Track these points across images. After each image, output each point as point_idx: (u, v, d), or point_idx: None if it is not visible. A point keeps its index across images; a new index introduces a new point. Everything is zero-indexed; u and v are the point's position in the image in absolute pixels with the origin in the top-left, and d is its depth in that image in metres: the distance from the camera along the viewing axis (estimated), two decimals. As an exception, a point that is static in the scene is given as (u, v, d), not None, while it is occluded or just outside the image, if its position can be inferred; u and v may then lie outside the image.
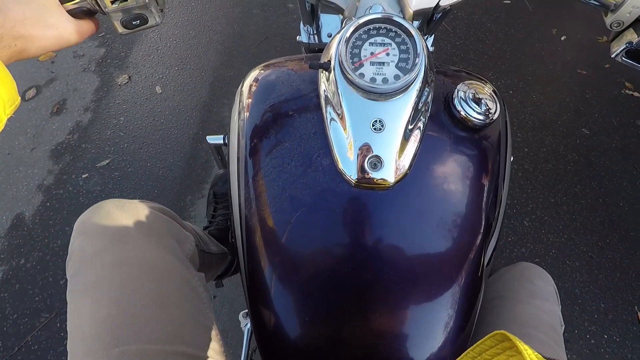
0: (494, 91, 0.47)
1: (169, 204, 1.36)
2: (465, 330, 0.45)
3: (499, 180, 0.48)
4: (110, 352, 0.41)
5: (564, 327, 0.61)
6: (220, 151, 0.69)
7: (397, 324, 0.43)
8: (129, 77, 1.73)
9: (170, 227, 0.55)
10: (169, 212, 0.57)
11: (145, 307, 0.45)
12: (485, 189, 0.46)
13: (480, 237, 0.45)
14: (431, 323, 0.43)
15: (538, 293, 0.62)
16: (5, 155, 1.58)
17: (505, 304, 0.61)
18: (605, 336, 1.16)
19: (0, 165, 1.55)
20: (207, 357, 0.48)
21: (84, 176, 1.47)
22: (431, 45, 1.00)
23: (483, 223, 0.45)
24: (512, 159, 0.56)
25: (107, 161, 1.50)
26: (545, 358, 0.24)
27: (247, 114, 0.49)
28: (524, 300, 0.61)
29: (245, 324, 0.81)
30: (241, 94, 0.52)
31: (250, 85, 0.51)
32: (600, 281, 1.24)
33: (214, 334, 0.51)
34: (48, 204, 1.42)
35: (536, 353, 0.24)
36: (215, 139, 0.64)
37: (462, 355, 0.27)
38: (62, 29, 0.40)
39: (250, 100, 0.50)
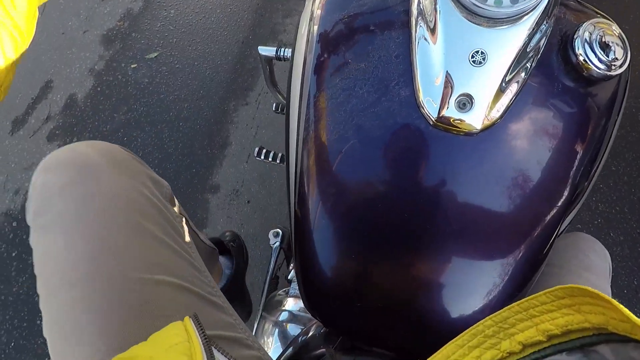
0: (623, 39, 0.39)
1: (213, 107, 1.36)
2: (516, 299, 0.42)
3: (600, 149, 0.41)
4: (94, 284, 0.38)
5: None
6: (270, 65, 0.63)
7: (444, 278, 0.40)
8: (182, -34, 1.63)
9: (145, 169, 0.49)
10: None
11: (125, 237, 0.41)
12: (580, 155, 0.40)
13: (560, 206, 0.40)
14: (482, 284, 0.40)
15: (592, 267, 0.58)
16: (59, 34, 1.59)
17: (554, 272, 0.57)
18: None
19: (55, 44, 1.57)
20: (197, 290, 0.44)
21: (132, 66, 1.47)
22: None
23: (567, 192, 0.40)
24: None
25: (155, 54, 1.48)
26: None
27: (318, 24, 0.43)
28: (575, 271, 0.57)
29: (274, 242, 0.82)
30: (313, 0, 0.45)
31: None
32: (640, 259, 1.18)
33: (203, 272, 0.47)
34: (98, 89, 1.46)
35: (628, 312, 0.20)
36: (267, 50, 0.57)
37: (505, 308, 0.24)
38: None
39: (324, 7, 0.43)
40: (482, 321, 0.25)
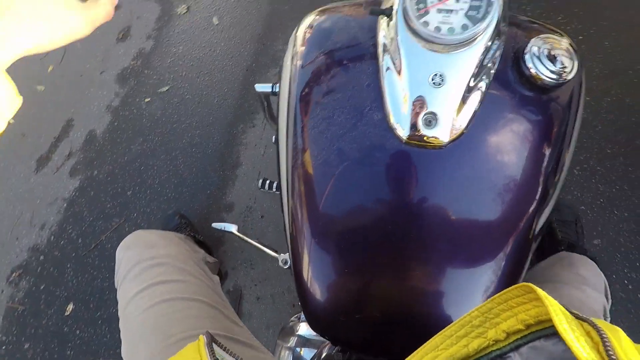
0: (572, 47, 0.42)
1: (222, 131, 1.42)
2: None
3: (563, 147, 0.44)
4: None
5: (609, 319, 0.58)
6: (268, 100, 0.67)
7: (434, 284, 0.42)
8: (188, 7, 1.75)
9: (186, 240, 0.76)
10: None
11: (175, 284, 0.62)
12: (547, 156, 0.42)
13: (533, 205, 0.42)
14: (470, 287, 0.42)
15: (587, 281, 0.60)
16: (78, 76, 1.71)
17: (554, 287, 0.60)
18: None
19: (74, 85, 1.69)
20: (232, 337, 0.58)
21: (146, 100, 1.57)
22: None
23: (539, 191, 0.42)
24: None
25: (167, 87, 1.57)
26: (572, 312, 0.23)
27: (299, 62, 0.47)
28: (570, 284, 0.60)
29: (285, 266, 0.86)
30: (295, 41, 0.50)
31: (305, 32, 0.49)
32: (649, 234, 1.17)
33: (232, 317, 0.63)
34: (116, 124, 1.55)
35: (561, 306, 0.23)
36: (264, 87, 0.62)
37: (488, 300, 0.27)
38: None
39: (303, 47, 0.48)
40: (468, 312, 0.27)
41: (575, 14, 1.45)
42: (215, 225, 1.10)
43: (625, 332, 0.22)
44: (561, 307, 0.22)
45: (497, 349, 0.26)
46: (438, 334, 0.28)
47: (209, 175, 1.36)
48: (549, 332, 0.24)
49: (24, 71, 1.82)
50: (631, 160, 1.24)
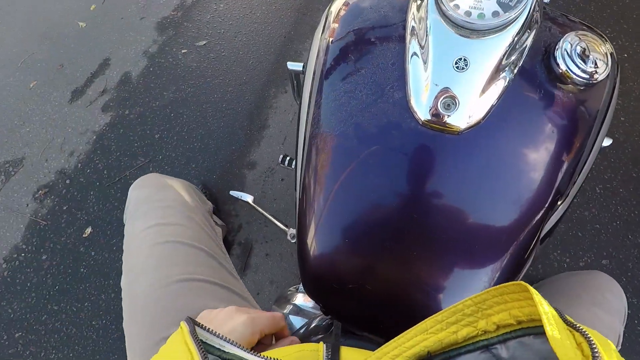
0: (610, 53, 0.41)
1: (255, 92, 1.48)
2: None
3: (582, 155, 0.42)
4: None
5: (620, 347, 0.56)
6: (298, 79, 0.66)
7: (431, 270, 0.42)
8: (234, -34, 1.78)
9: (197, 190, 0.84)
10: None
11: (178, 226, 0.65)
12: (562, 161, 0.41)
13: (542, 209, 0.41)
14: (467, 278, 0.42)
15: (604, 304, 0.58)
16: (119, 19, 1.75)
17: (561, 303, 0.58)
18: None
19: (115, 27, 1.73)
20: (226, 286, 0.59)
21: (183, 51, 1.62)
22: None
23: (550, 195, 0.41)
24: (610, 142, 0.50)
25: (204, 42, 1.62)
26: (565, 319, 0.22)
27: (329, 37, 0.48)
28: (584, 305, 0.57)
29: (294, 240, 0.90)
30: (328, 16, 0.51)
31: (338, 8, 0.50)
32: (656, 264, 1.21)
33: (229, 269, 0.65)
34: (151, 69, 1.60)
35: (553, 310, 0.22)
36: (295, 66, 0.63)
37: (484, 291, 0.26)
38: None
39: (335, 23, 0.49)
40: (462, 301, 0.27)
41: (624, 30, 1.45)
42: (232, 193, 1.17)
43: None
44: (555, 313, 0.22)
45: (485, 339, 0.26)
46: (429, 318, 0.28)
47: (236, 132, 1.42)
48: (539, 330, 0.24)
49: (68, 6, 1.86)
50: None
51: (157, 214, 0.65)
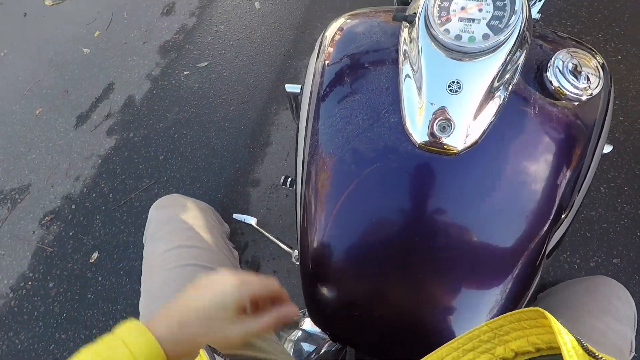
0: (602, 65, 0.41)
1: (257, 110, 1.50)
2: None
3: (582, 167, 0.42)
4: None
5: (633, 354, 0.55)
6: (297, 101, 0.67)
7: (438, 294, 0.41)
8: (232, -11, 1.82)
9: (215, 212, 0.90)
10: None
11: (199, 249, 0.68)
12: (563, 175, 0.41)
13: (546, 225, 0.41)
14: (473, 301, 0.41)
15: (613, 312, 0.57)
16: (122, 44, 1.79)
17: (570, 314, 0.57)
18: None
19: (118, 52, 1.77)
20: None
21: (185, 73, 1.64)
22: (537, 12, 0.89)
23: (553, 212, 0.41)
24: (610, 149, 0.49)
25: (206, 63, 1.65)
26: (586, 348, 0.21)
27: (324, 62, 0.49)
28: (594, 314, 0.56)
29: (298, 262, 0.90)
30: (322, 42, 0.51)
31: (333, 34, 0.50)
32: (667, 262, 1.20)
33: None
34: (154, 92, 1.63)
35: (573, 339, 0.21)
36: (293, 88, 0.63)
37: (500, 316, 0.25)
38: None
39: (330, 48, 0.49)
40: (478, 327, 0.26)
41: (616, 33, 1.47)
42: (236, 216, 1.16)
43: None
44: (575, 343, 0.21)
45: None
46: (444, 345, 0.27)
47: (239, 150, 1.43)
48: (559, 359, 0.23)
49: (72, 33, 1.91)
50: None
51: (179, 237, 0.66)
